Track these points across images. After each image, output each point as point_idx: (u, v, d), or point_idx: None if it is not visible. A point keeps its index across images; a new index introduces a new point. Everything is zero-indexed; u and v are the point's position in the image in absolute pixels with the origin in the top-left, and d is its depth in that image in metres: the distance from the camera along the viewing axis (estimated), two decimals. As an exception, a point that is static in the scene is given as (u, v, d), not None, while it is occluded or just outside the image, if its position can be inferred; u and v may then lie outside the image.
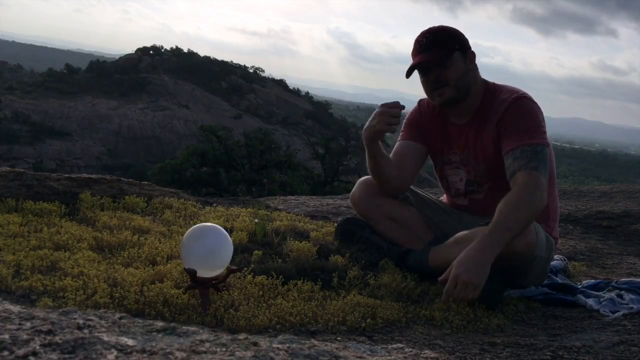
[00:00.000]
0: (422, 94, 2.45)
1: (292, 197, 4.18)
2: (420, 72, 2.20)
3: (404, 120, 2.45)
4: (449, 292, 1.86)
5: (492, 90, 2.23)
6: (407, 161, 2.34)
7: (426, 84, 2.20)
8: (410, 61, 2.20)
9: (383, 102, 2.21)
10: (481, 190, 2.29)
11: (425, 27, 2.23)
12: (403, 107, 2.19)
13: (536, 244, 1.97)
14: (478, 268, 1.85)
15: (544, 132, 2.10)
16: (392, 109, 2.17)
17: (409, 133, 2.39)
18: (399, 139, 2.43)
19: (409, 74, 2.18)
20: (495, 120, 2.14)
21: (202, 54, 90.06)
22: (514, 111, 2.11)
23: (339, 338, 1.51)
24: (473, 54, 2.21)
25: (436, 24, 2.29)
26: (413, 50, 2.19)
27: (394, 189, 2.38)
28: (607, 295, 2.12)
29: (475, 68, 2.22)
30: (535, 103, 2.15)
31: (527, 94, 2.15)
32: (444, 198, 2.53)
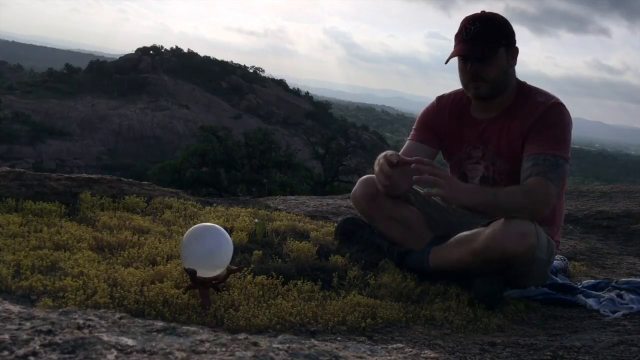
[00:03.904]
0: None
1: (292, 197, 4.18)
2: (460, 59, 2.14)
3: (418, 118, 2.42)
4: (434, 180, 1.96)
5: (527, 91, 2.20)
6: None
7: (464, 73, 2.16)
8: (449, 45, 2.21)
9: (386, 153, 2.16)
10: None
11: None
12: (396, 164, 2.09)
13: (537, 246, 1.97)
14: (458, 191, 1.99)
15: (569, 147, 2.09)
16: (385, 171, 2.11)
17: (419, 134, 2.37)
18: (409, 138, 2.40)
19: (448, 60, 2.14)
20: (530, 121, 2.11)
21: (201, 53, 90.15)
22: (550, 117, 2.09)
23: (339, 338, 1.51)
24: (517, 50, 2.16)
25: (455, 20, 2.24)
26: (458, 34, 2.12)
27: (397, 193, 2.37)
28: (607, 295, 2.12)
29: (514, 65, 2.18)
30: (569, 114, 2.13)
31: (562, 101, 2.13)
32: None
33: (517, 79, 2.23)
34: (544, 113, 2.10)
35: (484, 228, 2.01)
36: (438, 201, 2.49)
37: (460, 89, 2.28)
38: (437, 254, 2.14)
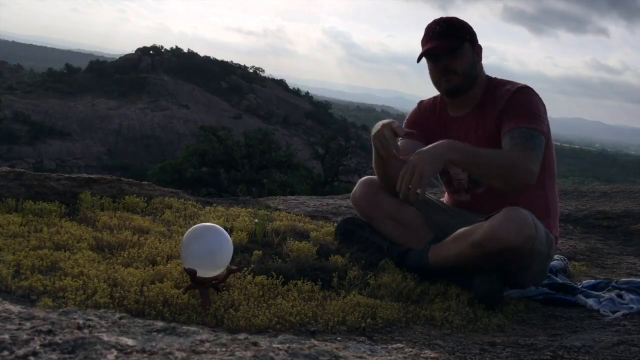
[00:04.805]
0: (421, 94, 2.45)
1: (292, 197, 4.18)
2: (429, 60, 2.23)
3: (405, 121, 2.47)
4: (403, 174, 1.96)
5: (495, 84, 2.28)
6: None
7: (434, 71, 2.24)
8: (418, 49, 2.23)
9: (393, 122, 2.15)
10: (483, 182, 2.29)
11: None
12: (403, 134, 2.14)
13: (535, 237, 1.97)
14: (429, 157, 1.96)
15: (542, 122, 2.13)
16: (388, 135, 2.10)
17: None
18: (399, 138, 2.43)
19: (420, 59, 2.22)
20: (499, 109, 2.18)
21: (201, 53, 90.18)
22: (516, 99, 2.16)
23: (339, 338, 1.51)
24: (480, 48, 2.26)
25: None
26: (424, 37, 2.23)
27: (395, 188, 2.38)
28: (607, 295, 2.12)
29: (480, 61, 2.27)
30: (538, 95, 2.19)
31: (530, 86, 2.19)
32: (444, 198, 2.54)
33: (486, 75, 2.31)
34: (511, 97, 2.17)
35: (483, 222, 2.02)
36: (437, 202, 2.49)
37: (439, 94, 2.37)
38: (437, 250, 2.14)
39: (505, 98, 2.17)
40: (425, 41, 2.21)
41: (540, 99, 2.18)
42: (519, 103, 2.15)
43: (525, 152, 2.03)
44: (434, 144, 2.03)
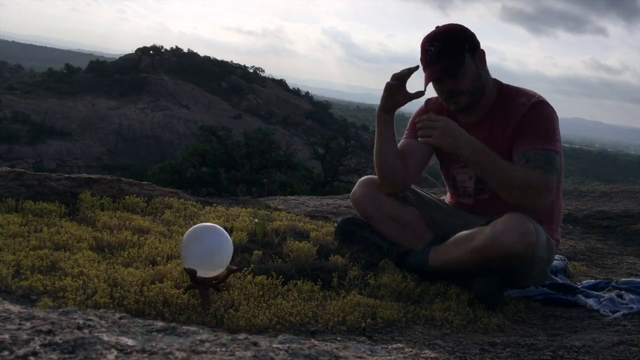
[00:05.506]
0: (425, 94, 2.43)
1: (292, 197, 4.18)
2: (433, 82, 2.17)
3: (410, 120, 2.44)
4: (426, 117, 2.09)
5: (507, 91, 2.22)
6: (410, 159, 2.33)
7: (440, 93, 2.20)
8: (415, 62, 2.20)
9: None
10: (489, 190, 2.28)
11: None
12: (416, 69, 2.20)
13: (536, 245, 1.97)
14: (451, 133, 2.06)
15: (558, 140, 2.11)
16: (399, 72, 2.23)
17: (414, 132, 2.38)
18: (403, 137, 2.42)
19: (426, 87, 2.16)
20: (513, 123, 2.13)
21: (200, 53, 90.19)
22: (533, 115, 2.11)
23: (339, 338, 1.51)
24: (483, 53, 2.18)
25: (441, 24, 2.24)
26: (422, 59, 2.15)
27: (395, 183, 2.35)
28: (607, 295, 2.12)
29: (485, 66, 2.20)
30: (553, 109, 2.15)
31: (544, 98, 2.15)
32: (445, 198, 2.53)
33: (494, 79, 2.25)
34: (527, 112, 2.12)
35: (484, 227, 2.01)
36: (437, 202, 2.49)
37: None
38: (437, 254, 2.14)
39: (521, 113, 2.12)
40: (424, 65, 2.15)
41: (555, 112, 2.15)
42: (536, 120, 2.10)
43: (545, 178, 2.02)
44: (464, 131, 2.08)
